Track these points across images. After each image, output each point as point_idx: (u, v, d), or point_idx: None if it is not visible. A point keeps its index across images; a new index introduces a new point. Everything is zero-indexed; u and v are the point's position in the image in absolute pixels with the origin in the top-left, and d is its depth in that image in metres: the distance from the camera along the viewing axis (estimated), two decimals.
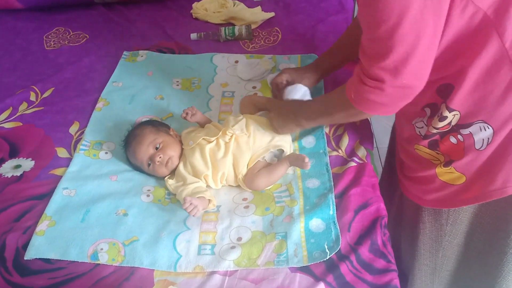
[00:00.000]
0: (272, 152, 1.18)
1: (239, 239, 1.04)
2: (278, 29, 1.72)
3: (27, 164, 1.24)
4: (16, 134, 1.32)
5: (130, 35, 1.71)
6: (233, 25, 1.75)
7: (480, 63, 0.89)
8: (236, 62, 1.56)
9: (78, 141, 1.29)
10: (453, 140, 1.02)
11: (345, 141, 1.26)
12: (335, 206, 1.09)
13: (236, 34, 1.67)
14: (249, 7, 1.84)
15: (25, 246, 1.03)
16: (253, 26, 1.73)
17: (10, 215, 1.11)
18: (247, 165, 1.15)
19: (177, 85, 1.48)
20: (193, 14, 1.83)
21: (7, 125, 1.35)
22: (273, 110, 1.23)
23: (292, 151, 1.21)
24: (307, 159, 1.10)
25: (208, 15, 1.81)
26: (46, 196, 1.14)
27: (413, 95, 0.89)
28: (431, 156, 1.09)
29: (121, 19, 1.81)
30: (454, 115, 0.98)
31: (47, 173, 1.21)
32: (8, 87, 1.48)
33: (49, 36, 1.73)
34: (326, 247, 1.00)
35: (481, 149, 1.00)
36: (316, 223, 1.06)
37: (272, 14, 1.79)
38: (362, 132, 1.28)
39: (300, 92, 1.27)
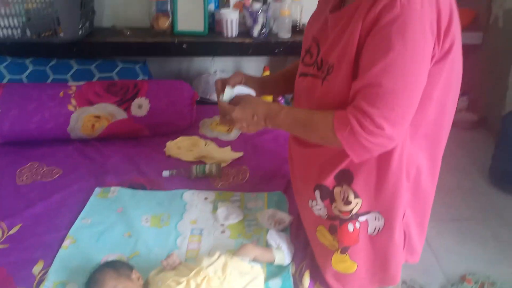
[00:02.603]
0: None
1: None
2: (246, 168, 1.82)
3: None
4: None
5: (104, 170, 1.77)
6: (204, 163, 1.84)
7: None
8: (206, 198, 1.62)
9: (40, 281, 1.26)
10: (350, 228, 1.15)
11: (307, 281, 1.27)
12: None
13: (206, 172, 1.75)
14: (219, 146, 1.96)
15: None
16: (223, 165, 1.82)
17: None
18: None
19: (146, 222, 1.51)
20: (166, 152, 1.93)
21: None
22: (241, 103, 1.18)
23: None
24: None
25: (181, 153, 1.91)
26: None
27: (390, 147, 1.01)
28: (329, 243, 1.21)
29: (96, 155, 1.89)
30: (357, 203, 1.12)
31: None
32: None
33: (22, 171, 1.77)
34: None
35: (373, 234, 1.16)
36: None
37: (240, 153, 1.90)
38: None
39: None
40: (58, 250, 1.36)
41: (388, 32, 0.91)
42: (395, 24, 0.90)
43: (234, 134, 2.07)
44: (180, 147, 1.95)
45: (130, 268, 1.23)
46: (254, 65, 2.61)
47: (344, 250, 1.19)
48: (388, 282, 1.23)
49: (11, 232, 1.44)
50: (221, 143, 1.99)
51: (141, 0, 2.42)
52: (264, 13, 2.25)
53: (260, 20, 2.26)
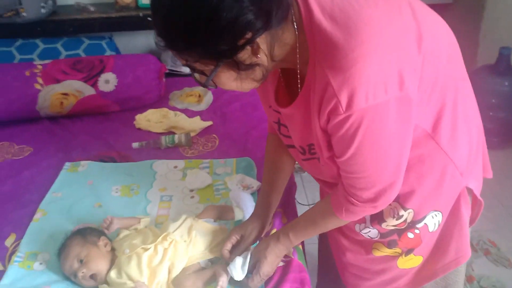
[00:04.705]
0: (209, 258, 1.22)
1: None
2: (215, 136, 1.85)
3: None
4: None
5: (72, 147, 1.79)
6: (174, 133, 1.86)
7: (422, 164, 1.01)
8: (175, 167, 1.65)
9: (13, 252, 1.30)
10: (410, 235, 1.11)
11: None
12: None
13: (175, 141, 1.78)
14: (189, 117, 1.98)
15: None
16: (192, 134, 1.84)
17: None
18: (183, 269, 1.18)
19: (116, 192, 1.54)
20: (136, 125, 1.94)
21: None
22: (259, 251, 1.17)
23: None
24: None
25: (150, 125, 1.93)
26: None
27: (387, 204, 1.01)
28: (390, 253, 1.16)
29: (65, 132, 1.90)
30: (409, 212, 1.07)
31: None
32: None
33: None
34: None
35: (434, 230, 1.11)
36: None
37: (210, 122, 1.92)
38: None
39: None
40: (29, 223, 1.39)
41: (342, 134, 0.86)
42: (345, 127, 0.84)
43: (204, 105, 2.09)
44: (150, 119, 1.97)
45: (99, 234, 1.26)
46: None
47: (408, 252, 1.15)
48: (459, 260, 1.16)
49: None
50: (191, 114, 2.01)
51: None
52: None
53: None
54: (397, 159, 0.92)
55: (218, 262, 1.22)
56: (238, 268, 1.14)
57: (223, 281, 1.12)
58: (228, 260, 1.18)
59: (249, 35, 0.79)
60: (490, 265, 2.08)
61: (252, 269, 1.15)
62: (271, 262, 1.15)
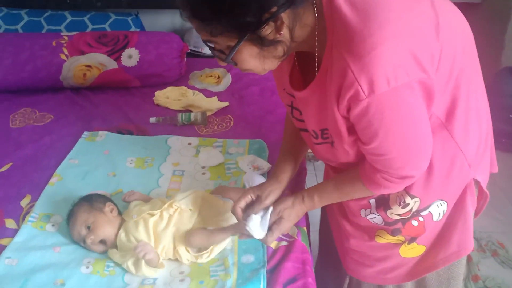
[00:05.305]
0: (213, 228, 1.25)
1: None
2: (231, 117, 1.87)
3: None
4: None
5: (92, 117, 1.84)
6: (191, 111, 1.90)
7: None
8: (189, 144, 1.68)
9: (27, 213, 1.35)
10: (414, 223, 1.12)
11: None
12: (265, 281, 1.15)
13: (191, 119, 1.81)
14: (207, 97, 2.01)
15: None
16: (208, 113, 1.87)
17: None
18: None
19: (131, 163, 1.58)
20: (154, 101, 1.98)
21: None
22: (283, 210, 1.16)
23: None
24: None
25: (169, 102, 1.96)
26: None
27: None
28: (392, 240, 1.18)
29: (86, 103, 1.95)
30: (415, 202, 1.08)
31: None
32: None
33: (16, 116, 1.84)
34: None
35: (438, 220, 1.12)
36: None
37: (226, 103, 1.95)
38: None
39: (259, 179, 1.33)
40: (45, 187, 1.45)
41: (367, 121, 0.88)
42: (370, 113, 0.86)
43: (222, 86, 2.12)
44: (169, 96, 2.00)
45: (104, 201, 1.29)
46: None
47: (411, 241, 1.16)
48: (461, 253, 1.17)
49: (1, 170, 1.52)
50: (209, 94, 2.04)
51: None
52: None
53: None
54: (425, 136, 0.94)
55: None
56: (257, 226, 1.11)
57: (253, 224, 1.10)
58: (239, 218, 1.15)
59: (274, 9, 0.81)
60: (497, 266, 2.08)
61: (271, 226, 1.14)
62: (292, 221, 1.16)
